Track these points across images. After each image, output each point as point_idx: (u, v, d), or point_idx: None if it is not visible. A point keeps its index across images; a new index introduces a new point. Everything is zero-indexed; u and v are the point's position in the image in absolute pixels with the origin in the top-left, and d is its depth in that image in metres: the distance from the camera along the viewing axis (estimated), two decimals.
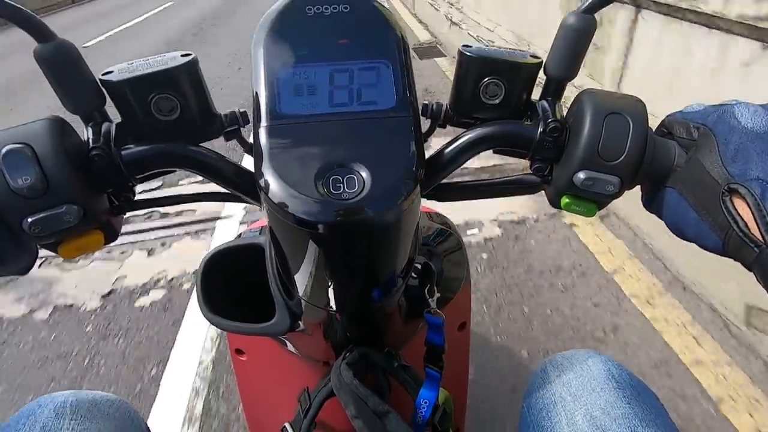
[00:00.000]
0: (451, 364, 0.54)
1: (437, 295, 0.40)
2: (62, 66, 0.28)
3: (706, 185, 0.25)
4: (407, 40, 0.31)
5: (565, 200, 0.30)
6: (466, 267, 0.53)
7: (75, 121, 0.29)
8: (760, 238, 0.23)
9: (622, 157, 0.27)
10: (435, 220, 0.54)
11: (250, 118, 0.32)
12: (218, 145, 0.33)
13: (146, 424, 0.47)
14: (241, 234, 0.50)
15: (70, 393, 0.43)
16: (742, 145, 0.24)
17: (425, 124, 0.33)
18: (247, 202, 0.35)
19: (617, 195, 0.29)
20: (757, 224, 0.23)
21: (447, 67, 3.35)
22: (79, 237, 0.28)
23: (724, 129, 0.25)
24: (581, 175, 0.28)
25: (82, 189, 0.27)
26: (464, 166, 0.34)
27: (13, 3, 0.26)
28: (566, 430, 0.40)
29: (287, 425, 0.42)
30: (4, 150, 0.25)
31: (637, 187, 0.31)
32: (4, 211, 0.25)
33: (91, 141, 0.28)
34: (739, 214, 0.24)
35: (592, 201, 0.29)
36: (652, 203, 0.30)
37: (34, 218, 0.26)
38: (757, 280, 0.24)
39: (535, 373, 0.49)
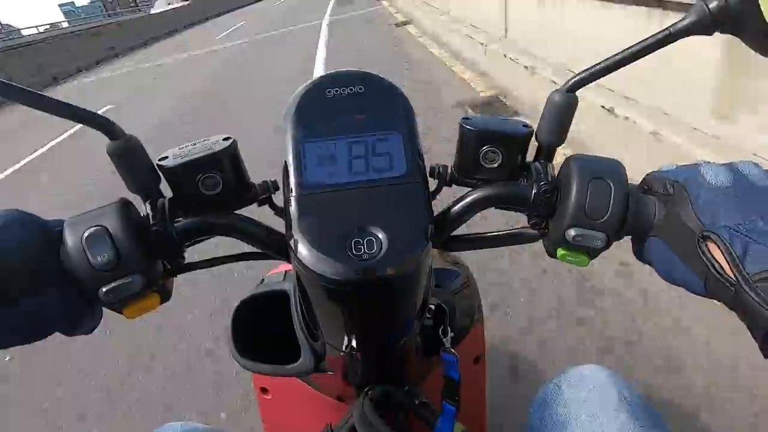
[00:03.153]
0: (468, 397, 0.56)
1: (451, 334, 0.43)
2: (129, 157, 0.33)
3: (684, 234, 0.29)
4: (414, 112, 0.36)
5: (560, 252, 0.34)
6: (478, 302, 0.56)
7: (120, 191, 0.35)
8: (734, 279, 0.26)
9: (606, 216, 0.31)
10: (446, 260, 0.58)
11: (280, 185, 0.36)
12: None
13: None
14: (263, 279, 0.54)
15: (180, 426, 0.46)
16: (708, 200, 0.28)
17: (433, 183, 0.38)
18: (278, 259, 0.39)
19: (606, 248, 0.32)
20: (729, 266, 0.26)
21: None
22: (141, 300, 0.32)
23: (694, 186, 0.29)
24: (572, 231, 0.32)
25: (145, 259, 0.31)
26: None
27: (89, 110, 0.31)
28: None
29: None
30: (86, 233, 0.30)
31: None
32: (85, 283, 0.30)
33: (151, 217, 0.33)
34: (714, 258, 0.27)
35: (584, 252, 0.33)
36: (642, 253, 0.33)
37: (107, 287, 0.30)
38: (740, 318, 0.27)
39: (547, 385, 0.52)
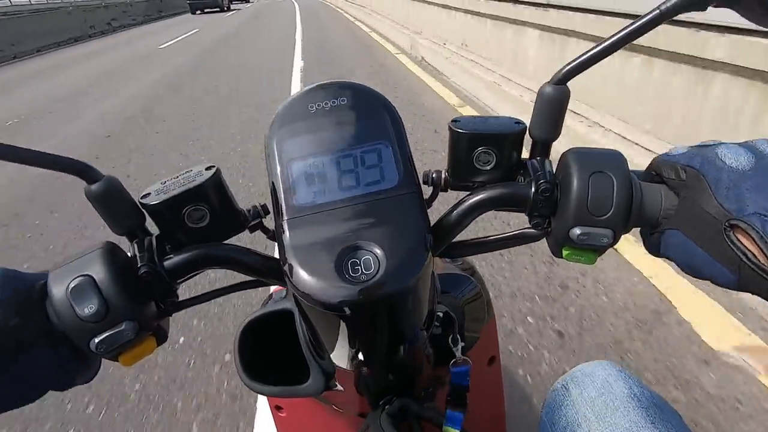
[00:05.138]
0: (485, 399, 0.55)
1: (461, 343, 0.42)
2: (109, 199, 0.32)
3: (707, 223, 0.27)
4: (401, 119, 0.34)
5: (565, 252, 0.32)
6: (488, 302, 0.55)
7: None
8: None
9: (611, 211, 0.29)
10: (450, 263, 0.57)
11: (270, 208, 0.35)
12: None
13: None
14: (272, 295, 0.52)
15: None
16: (732, 184, 0.26)
17: (427, 190, 0.36)
18: (275, 285, 0.38)
19: (613, 244, 0.31)
20: (765, 255, 0.24)
21: None
22: (136, 346, 0.31)
23: (712, 170, 0.27)
24: (576, 230, 0.30)
25: (135, 304, 0.30)
26: None
27: (64, 156, 0.30)
28: None
29: None
30: (71, 286, 0.29)
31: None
32: (74, 336, 0.29)
33: (138, 258, 0.32)
34: (746, 247, 0.25)
35: (591, 250, 0.32)
36: (658, 247, 0.31)
37: (98, 339, 0.29)
38: None
39: (555, 387, 0.51)
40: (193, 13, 21.10)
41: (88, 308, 0.28)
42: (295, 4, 18.42)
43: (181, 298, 0.36)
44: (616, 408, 0.43)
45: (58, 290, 0.29)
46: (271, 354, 0.44)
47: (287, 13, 15.66)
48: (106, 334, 0.29)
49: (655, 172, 0.31)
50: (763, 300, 0.28)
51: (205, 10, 21.45)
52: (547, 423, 0.47)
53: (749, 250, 0.25)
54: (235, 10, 22.55)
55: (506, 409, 0.64)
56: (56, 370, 0.29)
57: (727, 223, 0.25)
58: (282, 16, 14.73)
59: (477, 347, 0.50)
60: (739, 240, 0.25)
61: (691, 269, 0.29)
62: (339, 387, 0.41)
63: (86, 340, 0.29)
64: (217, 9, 21.71)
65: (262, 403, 1.33)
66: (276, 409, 0.57)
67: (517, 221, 1.90)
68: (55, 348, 0.29)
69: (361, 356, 0.35)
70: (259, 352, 0.43)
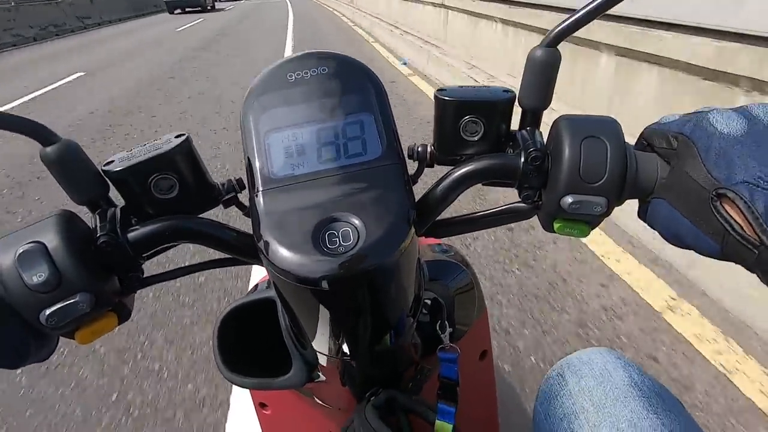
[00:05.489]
0: (476, 394, 0.53)
1: (449, 330, 0.40)
2: (67, 164, 0.29)
3: (694, 192, 0.25)
4: (385, 91, 0.32)
5: (557, 224, 0.30)
6: (480, 295, 0.53)
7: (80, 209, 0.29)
8: (757, 240, 0.23)
9: (604, 178, 0.28)
10: (440, 252, 0.55)
11: (245, 182, 0.33)
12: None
13: None
14: (257, 285, 0.50)
15: None
16: (722, 150, 0.24)
17: (412, 166, 0.34)
18: (250, 264, 0.36)
19: (606, 214, 0.29)
20: (751, 226, 0.23)
21: None
22: (94, 321, 0.29)
23: (703, 136, 0.25)
24: (568, 199, 0.29)
25: (93, 276, 0.28)
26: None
27: (17, 114, 0.28)
28: None
29: None
30: (19, 251, 0.26)
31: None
32: (21, 307, 0.27)
33: (98, 228, 0.30)
34: (732, 218, 0.24)
35: (584, 222, 0.30)
36: (645, 215, 0.30)
37: (50, 311, 0.27)
38: (760, 279, 0.24)
39: (551, 376, 0.48)
40: (171, 12, 18.20)
41: (37, 276, 0.26)
42: (290, 11, 14.52)
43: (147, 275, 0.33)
44: (616, 398, 0.41)
45: (5, 258, 0.26)
46: (254, 346, 0.42)
47: (275, 29, 9.96)
48: (58, 306, 0.27)
49: (646, 142, 0.30)
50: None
51: (186, 9, 18.69)
52: (541, 413, 0.45)
53: (735, 221, 0.24)
54: (220, 9, 19.90)
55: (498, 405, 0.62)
56: (5, 347, 0.27)
57: (714, 193, 0.24)
58: (265, 35, 9.10)
59: (468, 340, 0.48)
60: (725, 210, 0.24)
61: (674, 239, 0.28)
62: (322, 378, 0.39)
63: (36, 312, 0.27)
64: (199, 8, 18.81)
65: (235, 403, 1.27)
66: (260, 406, 0.55)
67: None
68: (4, 323, 0.26)
69: (343, 346, 0.33)
70: (240, 344, 0.41)
